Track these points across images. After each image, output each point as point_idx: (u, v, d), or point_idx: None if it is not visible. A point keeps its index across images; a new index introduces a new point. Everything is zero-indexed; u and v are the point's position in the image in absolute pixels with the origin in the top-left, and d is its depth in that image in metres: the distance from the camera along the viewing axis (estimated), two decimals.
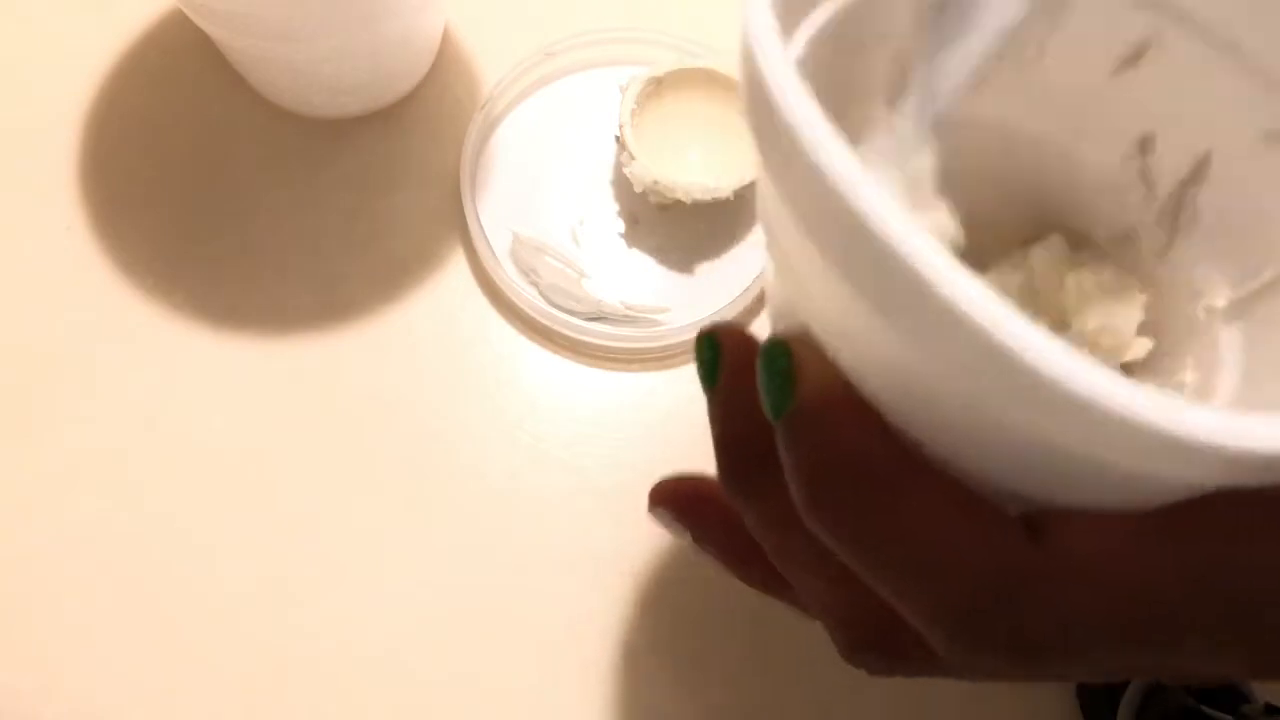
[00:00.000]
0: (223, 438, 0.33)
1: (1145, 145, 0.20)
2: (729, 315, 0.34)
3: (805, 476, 0.16)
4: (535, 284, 0.35)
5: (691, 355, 0.33)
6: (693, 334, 0.34)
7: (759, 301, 0.34)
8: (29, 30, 0.38)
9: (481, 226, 0.34)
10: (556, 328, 0.34)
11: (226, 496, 0.32)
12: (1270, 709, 0.26)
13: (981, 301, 0.12)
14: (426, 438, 0.33)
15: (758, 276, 0.34)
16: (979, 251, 0.21)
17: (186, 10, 0.32)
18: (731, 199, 0.34)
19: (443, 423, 0.33)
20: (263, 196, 0.35)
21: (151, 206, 0.35)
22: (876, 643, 0.18)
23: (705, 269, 0.35)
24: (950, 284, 0.12)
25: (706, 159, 0.35)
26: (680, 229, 0.35)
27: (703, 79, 0.35)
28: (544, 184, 0.36)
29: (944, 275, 0.12)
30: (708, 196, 0.34)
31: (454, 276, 0.35)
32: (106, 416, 0.33)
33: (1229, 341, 0.20)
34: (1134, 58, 0.19)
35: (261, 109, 0.36)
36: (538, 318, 0.34)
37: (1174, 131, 0.20)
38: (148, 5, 0.37)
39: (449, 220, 0.35)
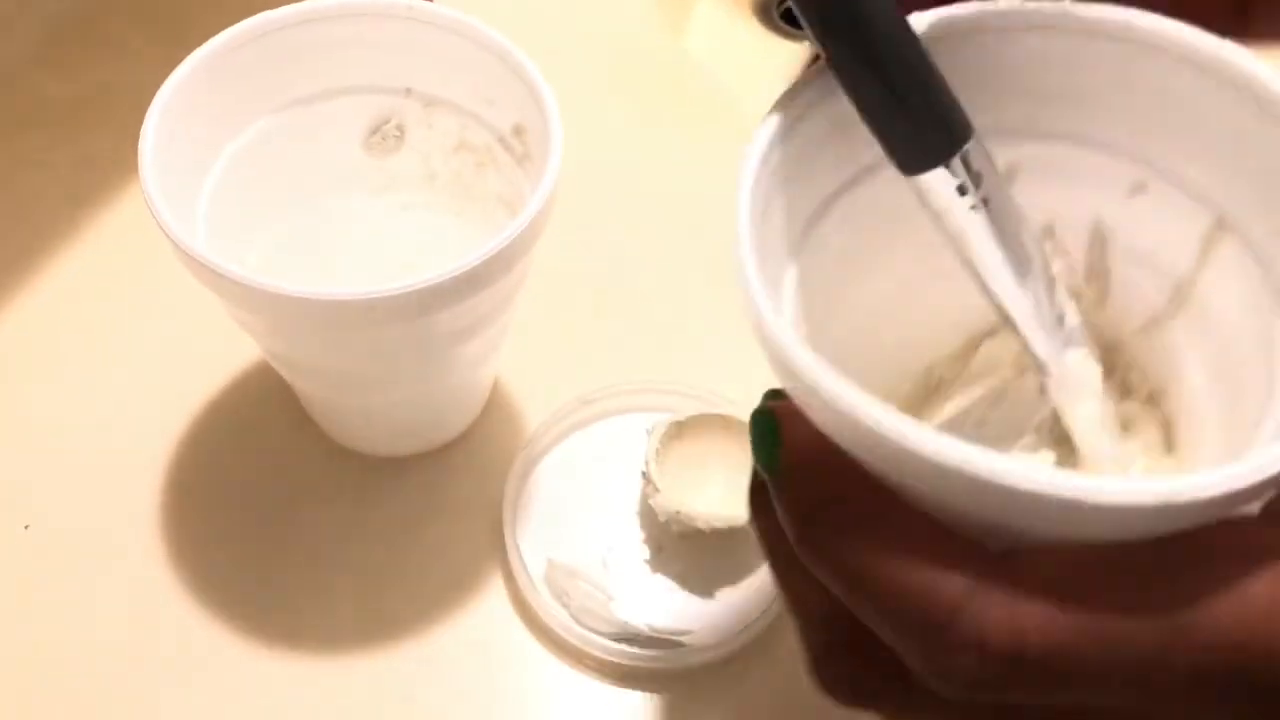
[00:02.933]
0: None
1: (1047, 232, 0.24)
2: (748, 638, 0.37)
3: (793, 521, 0.18)
4: (567, 606, 0.37)
5: (714, 680, 0.36)
6: (713, 656, 0.36)
7: (780, 620, 0.37)
8: (125, 370, 0.43)
9: (520, 554, 0.38)
10: (586, 648, 0.36)
11: None
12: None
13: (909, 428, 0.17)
14: None
15: (774, 599, 0.37)
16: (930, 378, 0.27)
17: (274, 364, 0.38)
18: (748, 528, 0.37)
19: None
20: (323, 528, 0.39)
21: (223, 539, 0.39)
22: (851, 651, 0.19)
23: (725, 594, 0.38)
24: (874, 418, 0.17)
25: (723, 493, 0.39)
26: (701, 556, 0.39)
27: (720, 424, 0.39)
28: (578, 515, 0.40)
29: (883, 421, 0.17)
30: (725, 525, 0.37)
31: (493, 600, 0.38)
32: None
33: (1167, 345, 0.25)
34: (1008, 179, 0.23)
35: (327, 448, 0.41)
36: (568, 638, 0.37)
37: (1064, 214, 0.24)
38: (236, 355, 0.43)
39: (491, 547, 0.39)
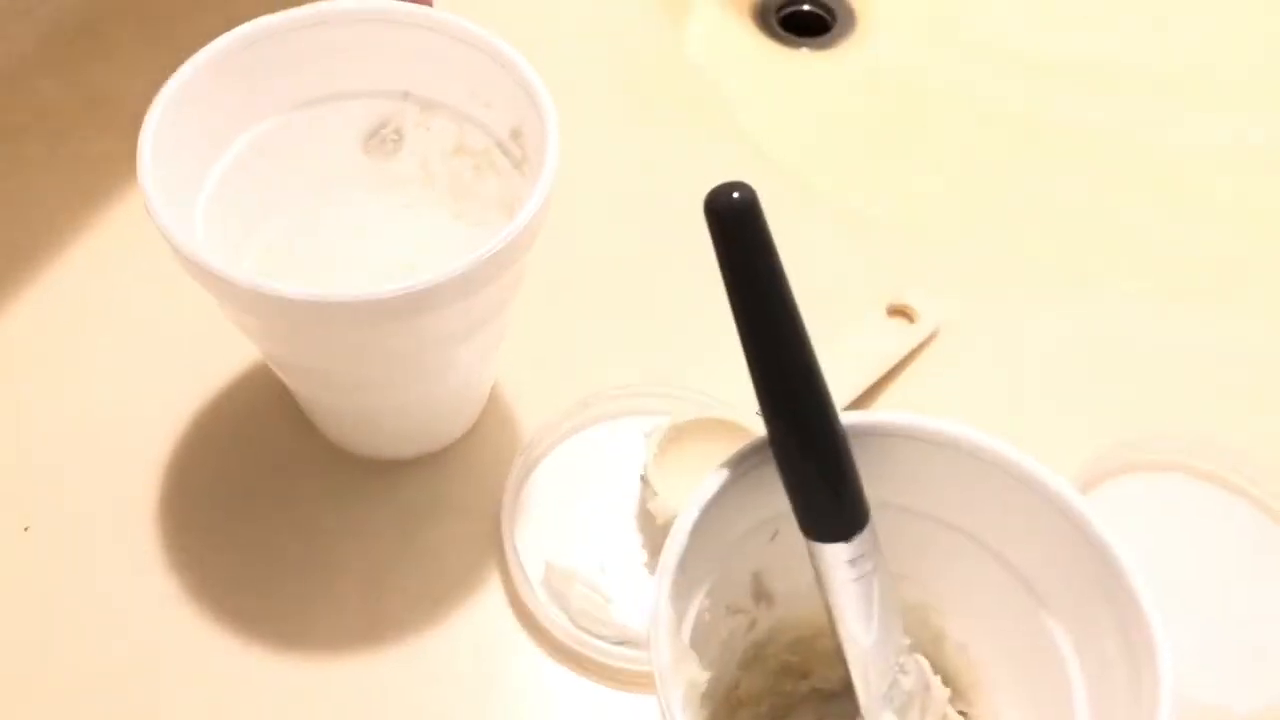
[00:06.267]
0: None
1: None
2: None
3: None
4: (565, 609, 0.38)
5: None
6: None
7: None
8: (125, 372, 0.43)
9: (519, 557, 0.38)
10: (584, 651, 0.36)
11: None
12: None
13: None
14: None
15: None
16: None
17: (273, 366, 0.38)
18: None
19: None
20: (322, 530, 0.39)
21: (222, 541, 0.39)
22: None
23: None
24: None
25: None
26: None
27: (718, 427, 0.39)
28: (576, 518, 0.40)
29: None
30: None
31: (491, 603, 0.38)
32: None
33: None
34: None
35: (326, 450, 0.41)
36: (567, 641, 0.37)
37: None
38: (235, 358, 0.43)
39: (489, 550, 0.39)
